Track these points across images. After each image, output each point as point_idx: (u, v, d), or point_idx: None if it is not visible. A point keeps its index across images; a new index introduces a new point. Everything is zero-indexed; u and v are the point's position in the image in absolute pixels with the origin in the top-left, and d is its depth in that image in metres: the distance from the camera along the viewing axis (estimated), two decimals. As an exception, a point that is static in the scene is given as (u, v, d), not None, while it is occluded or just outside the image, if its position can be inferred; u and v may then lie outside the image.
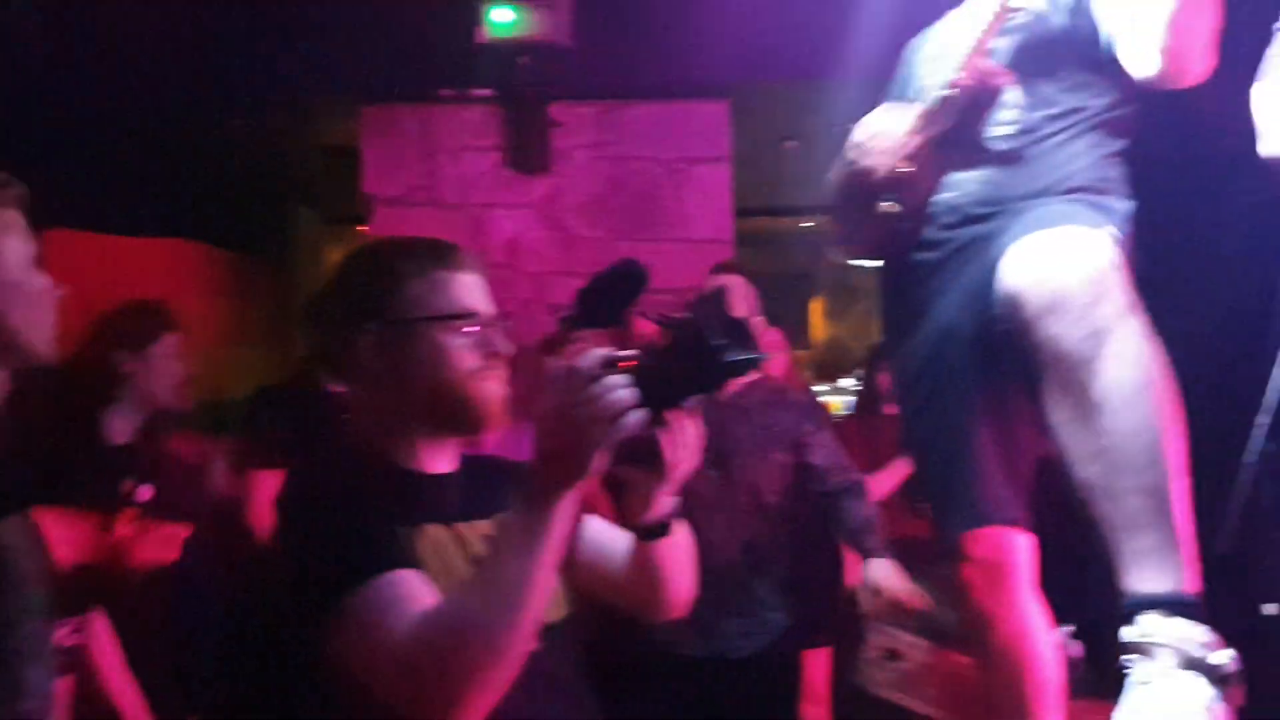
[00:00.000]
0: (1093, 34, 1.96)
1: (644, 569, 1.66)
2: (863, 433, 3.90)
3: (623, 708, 3.12)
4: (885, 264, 2.26)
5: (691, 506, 3.04)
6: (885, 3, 2.34)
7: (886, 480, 3.63)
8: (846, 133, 2.23)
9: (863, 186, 2.18)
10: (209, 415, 3.77)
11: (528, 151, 4.37)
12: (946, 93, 2.03)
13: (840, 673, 3.14)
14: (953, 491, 2.06)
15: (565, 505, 1.35)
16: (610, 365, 1.33)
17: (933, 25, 2.28)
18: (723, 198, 4.56)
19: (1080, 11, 1.99)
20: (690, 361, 1.36)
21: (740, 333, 1.38)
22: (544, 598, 1.39)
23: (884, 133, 2.13)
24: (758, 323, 3.29)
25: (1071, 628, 2.65)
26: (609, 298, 1.85)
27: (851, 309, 8.58)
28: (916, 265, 2.14)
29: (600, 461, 1.32)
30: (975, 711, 2.41)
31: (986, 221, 2.00)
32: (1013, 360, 1.77)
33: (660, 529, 1.61)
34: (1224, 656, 1.43)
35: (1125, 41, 1.91)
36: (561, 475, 1.33)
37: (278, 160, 5.60)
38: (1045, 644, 2.07)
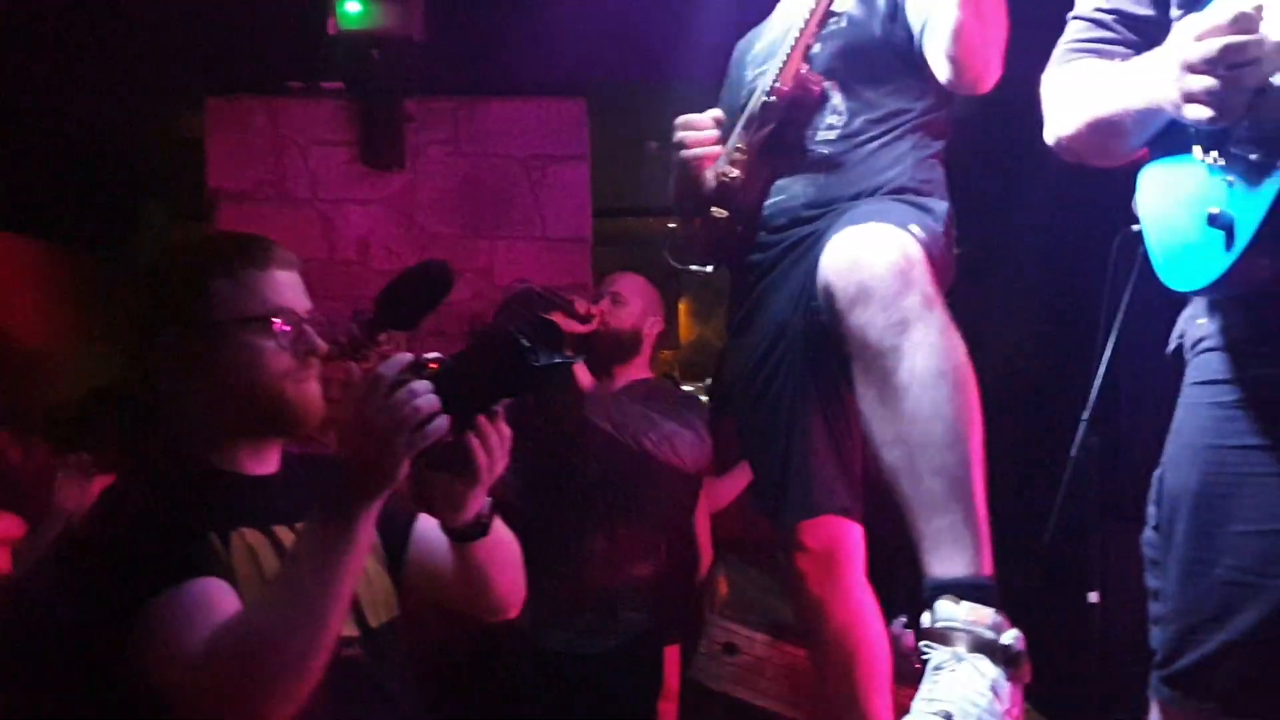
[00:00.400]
0: (908, 38, 2.02)
1: (465, 570, 1.64)
2: (716, 433, 3.92)
3: (480, 698, 3.11)
4: (723, 267, 2.30)
5: (561, 501, 3.10)
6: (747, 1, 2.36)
7: (738, 479, 3.66)
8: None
9: (693, 193, 2.21)
10: (50, 419, 3.61)
11: (380, 147, 4.27)
12: (767, 99, 2.07)
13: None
14: (786, 482, 2.10)
15: (369, 515, 1.33)
16: (413, 370, 1.31)
17: (760, 24, 2.31)
18: (581, 196, 4.54)
19: (896, 17, 2.05)
20: (498, 365, 1.36)
21: (551, 335, 1.37)
22: (345, 608, 1.36)
23: (708, 138, 2.17)
24: (654, 322, 3.30)
25: (904, 618, 2.72)
26: (412, 299, 1.79)
27: (718, 309, 8.65)
28: (750, 267, 2.18)
29: (405, 470, 1.30)
30: (813, 703, 2.45)
31: (814, 223, 2.05)
32: (836, 352, 1.82)
33: (475, 531, 1.59)
34: (1011, 636, 1.47)
35: (926, 48, 1.97)
36: (364, 485, 1.31)
37: (123, 153, 5.38)
38: (876, 632, 2.12)
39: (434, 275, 1.78)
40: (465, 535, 1.58)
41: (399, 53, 4.14)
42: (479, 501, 1.55)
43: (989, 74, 1.90)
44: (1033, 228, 3.47)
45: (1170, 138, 1.38)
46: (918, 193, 2.05)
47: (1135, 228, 2.56)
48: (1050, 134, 1.55)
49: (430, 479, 1.51)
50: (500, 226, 4.42)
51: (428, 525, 1.68)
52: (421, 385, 1.30)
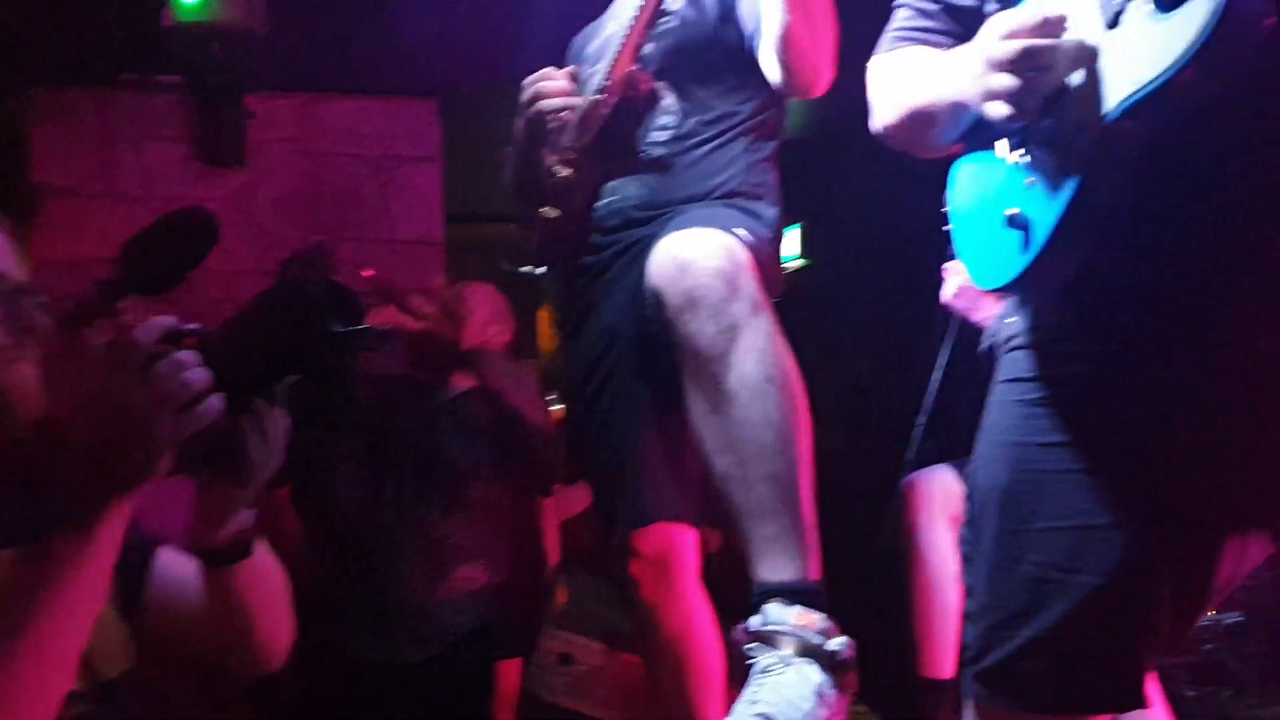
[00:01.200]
0: (740, 39, 2.02)
1: (221, 606, 1.31)
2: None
3: (293, 712, 2.96)
4: (556, 268, 2.26)
5: (379, 503, 2.99)
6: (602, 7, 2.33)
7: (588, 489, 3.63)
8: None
9: (525, 193, 2.18)
10: None
11: (219, 143, 4.13)
12: (596, 97, 2.05)
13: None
14: (620, 489, 2.08)
15: (115, 521, 1.07)
16: (176, 338, 1.08)
17: (597, 20, 2.29)
18: (432, 198, 4.47)
19: (729, 18, 2.04)
20: (284, 335, 1.11)
21: (347, 299, 1.13)
22: (78, 650, 1.10)
23: (566, 88, 2.13)
24: (499, 331, 3.24)
25: (746, 624, 2.71)
26: (165, 255, 1.39)
27: (580, 317, 8.60)
28: (582, 269, 2.15)
29: (163, 463, 1.05)
30: (648, 712, 2.42)
31: (647, 225, 2.03)
32: (667, 357, 1.80)
33: (235, 551, 1.28)
34: (839, 643, 1.48)
35: (759, 52, 1.97)
36: (108, 482, 1.06)
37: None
38: (710, 637, 2.11)
39: (191, 223, 1.40)
40: (223, 557, 1.27)
41: (240, 46, 4.01)
42: (245, 513, 1.27)
43: (820, 77, 1.91)
44: (871, 227, 3.52)
45: (981, 133, 1.38)
46: (749, 196, 2.05)
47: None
48: (874, 123, 1.54)
49: (192, 480, 1.23)
50: (346, 227, 4.31)
51: (170, 558, 1.38)
52: (189, 355, 1.06)
